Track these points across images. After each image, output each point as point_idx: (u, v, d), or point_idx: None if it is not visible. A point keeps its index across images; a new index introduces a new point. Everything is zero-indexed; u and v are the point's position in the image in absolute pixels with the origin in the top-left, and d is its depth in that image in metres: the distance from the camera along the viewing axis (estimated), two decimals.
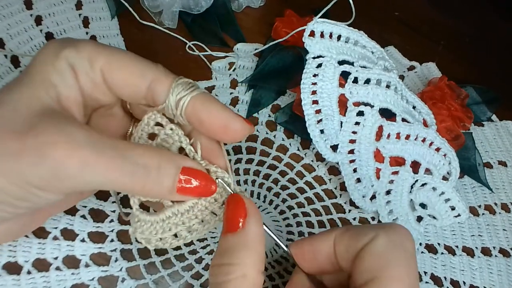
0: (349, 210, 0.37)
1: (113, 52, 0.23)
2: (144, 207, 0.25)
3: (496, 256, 0.37)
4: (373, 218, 0.37)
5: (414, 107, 0.38)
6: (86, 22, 0.42)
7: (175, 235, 0.25)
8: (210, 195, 0.24)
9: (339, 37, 0.36)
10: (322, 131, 0.36)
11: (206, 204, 0.24)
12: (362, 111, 0.36)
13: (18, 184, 0.20)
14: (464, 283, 0.36)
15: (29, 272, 0.29)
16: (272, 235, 0.25)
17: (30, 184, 0.20)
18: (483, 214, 0.40)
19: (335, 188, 0.38)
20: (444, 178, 0.37)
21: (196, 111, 0.23)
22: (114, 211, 0.32)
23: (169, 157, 0.22)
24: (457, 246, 0.38)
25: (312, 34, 0.36)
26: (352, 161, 0.36)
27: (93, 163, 0.20)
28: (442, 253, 0.37)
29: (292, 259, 0.26)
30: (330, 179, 0.39)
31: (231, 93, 0.41)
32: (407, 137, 0.36)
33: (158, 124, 0.25)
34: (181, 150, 0.25)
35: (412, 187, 0.37)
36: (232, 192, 0.24)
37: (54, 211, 0.28)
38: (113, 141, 0.21)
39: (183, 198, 0.23)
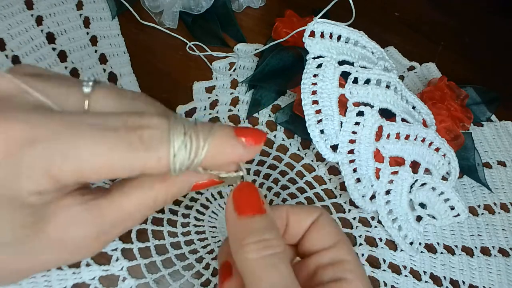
0: (349, 210, 0.37)
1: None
2: None
3: (495, 255, 0.38)
4: (372, 218, 0.37)
5: (414, 107, 0.38)
6: (86, 22, 0.42)
7: None
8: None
9: (339, 38, 0.36)
10: (322, 131, 0.36)
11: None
12: (362, 111, 0.36)
13: None
14: (464, 282, 0.36)
15: None
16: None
17: None
18: (482, 214, 0.40)
19: (335, 188, 0.38)
20: (444, 178, 0.37)
21: (209, 165, 0.20)
22: None
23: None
24: (456, 246, 0.38)
25: (312, 34, 0.36)
26: (352, 161, 0.36)
27: None
28: (441, 253, 0.37)
29: None
30: (330, 179, 0.39)
31: (231, 93, 0.41)
32: (407, 137, 0.37)
33: None
34: None
35: (411, 187, 0.37)
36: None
37: None
38: None
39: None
